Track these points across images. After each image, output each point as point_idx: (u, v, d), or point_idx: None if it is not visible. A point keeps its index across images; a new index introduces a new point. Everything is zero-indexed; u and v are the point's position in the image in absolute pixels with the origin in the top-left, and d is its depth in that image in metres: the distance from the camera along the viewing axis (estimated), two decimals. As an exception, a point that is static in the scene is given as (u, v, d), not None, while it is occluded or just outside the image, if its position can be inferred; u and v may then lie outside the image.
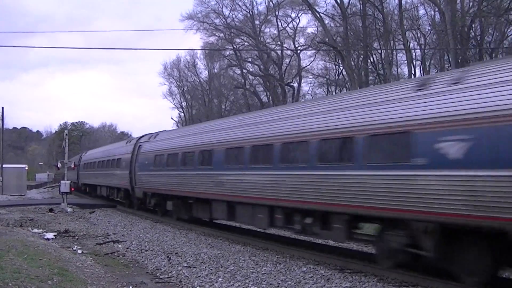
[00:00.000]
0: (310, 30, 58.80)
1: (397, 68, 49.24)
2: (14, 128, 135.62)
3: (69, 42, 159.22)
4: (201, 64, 75.57)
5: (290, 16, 54.76)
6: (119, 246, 15.93)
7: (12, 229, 18.67)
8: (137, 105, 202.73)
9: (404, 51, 42.45)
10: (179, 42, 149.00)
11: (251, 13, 54.13)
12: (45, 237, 17.43)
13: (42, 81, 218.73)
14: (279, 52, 55.07)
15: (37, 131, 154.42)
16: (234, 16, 54.95)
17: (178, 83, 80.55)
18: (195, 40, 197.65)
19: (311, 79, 59.46)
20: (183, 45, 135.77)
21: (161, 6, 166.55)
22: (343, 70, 48.77)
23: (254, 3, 54.89)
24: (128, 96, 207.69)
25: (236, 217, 16.83)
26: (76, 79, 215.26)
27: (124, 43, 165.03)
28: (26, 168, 55.11)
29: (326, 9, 48.00)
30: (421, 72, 46.31)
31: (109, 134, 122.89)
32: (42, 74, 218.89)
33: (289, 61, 57.91)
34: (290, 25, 55.74)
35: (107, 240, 17.28)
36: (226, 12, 54.24)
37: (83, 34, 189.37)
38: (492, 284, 9.32)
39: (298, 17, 54.79)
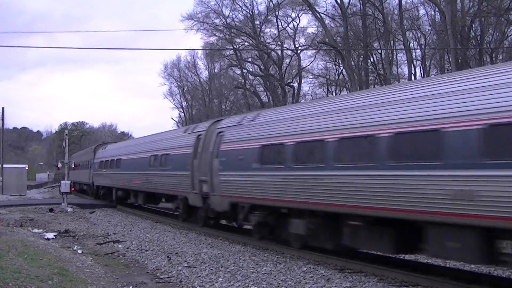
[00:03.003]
0: (310, 30, 58.55)
1: (397, 68, 49.27)
2: (14, 128, 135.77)
3: (66, 41, 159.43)
4: (201, 64, 75.58)
5: (290, 16, 54.69)
6: (119, 246, 15.94)
7: (12, 229, 18.69)
8: (137, 104, 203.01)
9: (404, 51, 42.44)
10: (179, 42, 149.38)
11: (251, 13, 54.04)
12: (45, 237, 17.44)
13: (41, 81, 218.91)
14: (279, 52, 55.01)
15: (37, 131, 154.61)
16: (234, 16, 54.79)
17: (178, 83, 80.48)
18: (196, 40, 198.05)
19: (311, 79, 59.43)
20: (184, 45, 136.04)
21: (158, 4, 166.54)
22: (343, 70, 48.73)
23: (254, 3, 54.76)
24: (128, 95, 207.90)
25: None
26: (75, 79, 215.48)
27: (122, 42, 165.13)
28: (26, 168, 55.13)
29: (326, 9, 47.98)
30: (421, 72, 46.36)
31: (109, 134, 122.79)
32: (41, 73, 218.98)
33: (289, 61, 57.81)
34: (290, 25, 55.67)
35: (107, 240, 17.30)
36: (226, 12, 54.11)
37: (81, 33, 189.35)
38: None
39: (298, 17, 54.67)
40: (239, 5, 53.68)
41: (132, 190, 28.07)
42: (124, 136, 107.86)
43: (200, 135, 19.10)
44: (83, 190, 45.31)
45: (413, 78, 40.00)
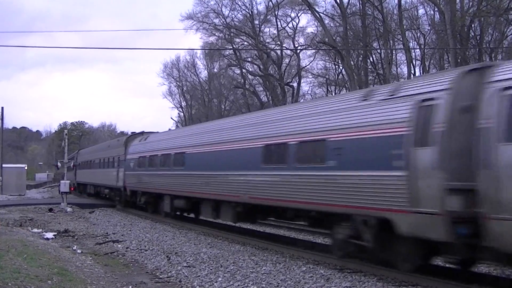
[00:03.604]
0: (309, 30, 58.58)
1: (397, 68, 49.33)
2: (14, 128, 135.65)
3: (65, 41, 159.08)
4: (200, 64, 75.62)
5: (290, 16, 54.83)
6: (119, 246, 15.94)
7: (11, 229, 18.67)
8: (136, 104, 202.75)
9: (403, 51, 42.46)
10: (179, 42, 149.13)
11: (250, 13, 54.13)
12: (45, 237, 17.42)
13: (40, 81, 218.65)
14: (278, 52, 55.07)
15: (37, 131, 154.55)
16: (233, 16, 54.95)
17: (177, 83, 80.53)
18: (195, 40, 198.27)
19: (310, 79, 59.53)
20: (183, 45, 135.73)
21: (157, 4, 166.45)
22: (343, 70, 48.78)
23: (254, 3, 54.90)
24: (127, 95, 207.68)
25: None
26: (74, 78, 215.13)
27: (121, 41, 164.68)
28: (26, 168, 55.06)
29: (325, 9, 48.05)
30: (421, 71, 46.37)
31: (109, 134, 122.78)
32: (40, 73, 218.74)
33: (289, 61, 57.92)
34: (290, 25, 55.80)
35: (107, 240, 17.29)
36: (226, 12, 54.26)
37: (80, 33, 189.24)
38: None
39: (298, 17, 54.82)
40: (238, 4, 53.86)
41: (210, 199, 18.35)
42: (124, 136, 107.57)
43: (429, 99, 10.03)
44: (98, 193, 36.91)
45: (412, 77, 40.01)
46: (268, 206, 15.15)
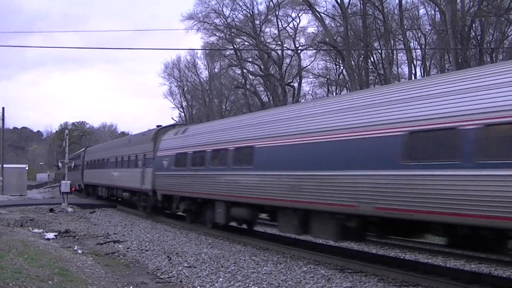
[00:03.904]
0: (310, 30, 58.79)
1: (398, 68, 49.28)
2: (15, 128, 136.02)
3: (66, 41, 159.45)
4: (201, 64, 75.69)
5: (291, 16, 54.85)
6: (120, 246, 15.94)
7: (12, 229, 18.67)
8: (137, 104, 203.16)
9: (404, 51, 42.44)
10: (179, 42, 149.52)
11: (251, 13, 54.12)
12: (46, 237, 17.42)
13: (41, 81, 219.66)
14: (279, 52, 55.07)
15: (38, 131, 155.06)
16: (234, 16, 54.97)
17: (178, 83, 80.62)
18: (196, 40, 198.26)
19: (311, 79, 59.59)
20: (184, 45, 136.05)
21: (157, 3, 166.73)
22: (344, 70, 48.77)
23: (255, 3, 54.95)
24: (127, 95, 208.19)
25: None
26: (74, 79, 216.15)
27: (121, 41, 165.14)
28: (27, 168, 55.16)
29: (326, 9, 48.11)
30: (422, 72, 46.36)
31: (109, 134, 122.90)
32: (40, 73, 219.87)
33: (290, 61, 57.91)
34: (291, 25, 55.83)
35: (108, 240, 17.29)
36: (227, 12, 54.28)
37: (80, 33, 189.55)
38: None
39: (299, 17, 54.85)
40: (239, 5, 53.85)
41: (296, 209, 13.46)
42: (124, 136, 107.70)
43: None
44: (112, 197, 33.64)
45: (413, 78, 40.01)
46: (403, 220, 10.37)
